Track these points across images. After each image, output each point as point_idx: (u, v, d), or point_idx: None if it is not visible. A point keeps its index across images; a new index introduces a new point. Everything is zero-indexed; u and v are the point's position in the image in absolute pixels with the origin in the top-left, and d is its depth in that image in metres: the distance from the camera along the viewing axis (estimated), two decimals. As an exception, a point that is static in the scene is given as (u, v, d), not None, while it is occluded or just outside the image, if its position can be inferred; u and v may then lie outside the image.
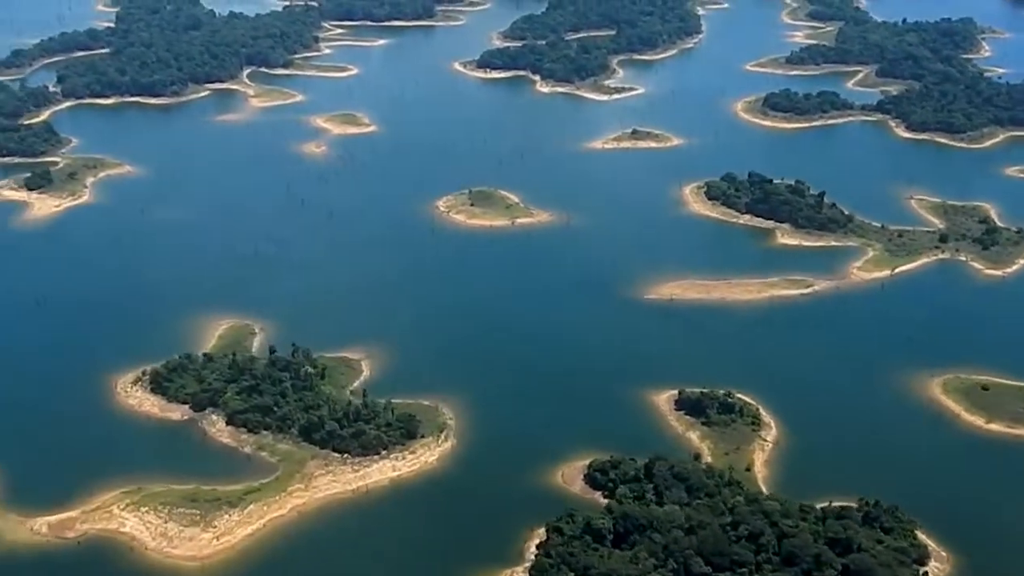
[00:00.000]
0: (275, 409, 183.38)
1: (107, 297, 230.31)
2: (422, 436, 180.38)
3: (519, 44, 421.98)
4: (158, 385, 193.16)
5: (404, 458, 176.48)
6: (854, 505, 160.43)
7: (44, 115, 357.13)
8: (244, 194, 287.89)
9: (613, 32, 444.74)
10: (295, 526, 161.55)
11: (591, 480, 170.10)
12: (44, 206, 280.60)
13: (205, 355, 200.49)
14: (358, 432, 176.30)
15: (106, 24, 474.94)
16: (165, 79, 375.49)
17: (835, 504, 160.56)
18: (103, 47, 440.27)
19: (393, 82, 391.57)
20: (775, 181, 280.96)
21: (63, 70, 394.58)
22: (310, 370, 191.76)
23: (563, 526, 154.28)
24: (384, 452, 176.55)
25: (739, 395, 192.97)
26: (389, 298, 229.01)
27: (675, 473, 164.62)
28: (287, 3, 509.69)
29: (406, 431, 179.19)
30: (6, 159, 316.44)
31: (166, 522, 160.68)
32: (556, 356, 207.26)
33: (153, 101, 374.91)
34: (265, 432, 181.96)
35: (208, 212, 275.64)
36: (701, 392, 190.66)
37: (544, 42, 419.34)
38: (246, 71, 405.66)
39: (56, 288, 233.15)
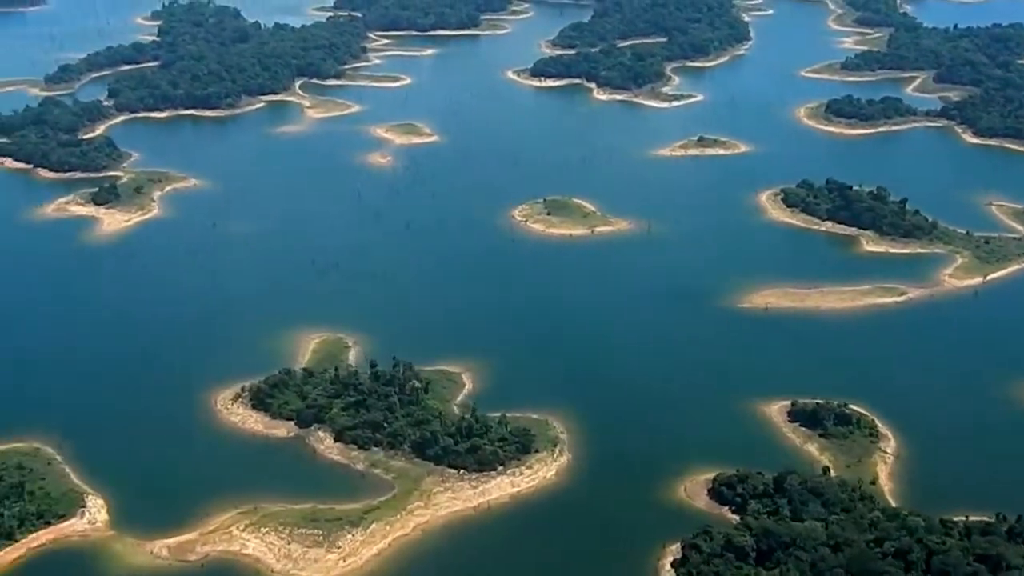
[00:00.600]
0: (385, 425, 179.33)
1: (191, 312, 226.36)
2: (536, 451, 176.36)
3: (572, 52, 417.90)
4: (260, 401, 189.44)
5: (522, 473, 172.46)
6: (994, 520, 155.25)
7: (100, 129, 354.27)
8: (315, 206, 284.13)
9: (663, 39, 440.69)
10: (420, 545, 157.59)
11: (717, 495, 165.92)
12: (113, 221, 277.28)
13: (305, 370, 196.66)
14: (474, 447, 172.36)
15: (150, 37, 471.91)
16: (219, 92, 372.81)
17: (975, 519, 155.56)
18: (150, 60, 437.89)
19: (447, 91, 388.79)
20: (854, 187, 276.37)
21: (114, 84, 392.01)
22: (417, 384, 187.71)
23: (700, 543, 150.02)
24: (501, 468, 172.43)
25: (852, 406, 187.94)
26: (477, 309, 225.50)
27: (809, 487, 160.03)
28: (330, 14, 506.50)
29: (521, 446, 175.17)
30: (68, 174, 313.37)
31: (288, 543, 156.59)
32: (658, 367, 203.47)
33: (208, 114, 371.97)
34: (376, 448, 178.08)
35: (281, 224, 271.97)
36: (816, 403, 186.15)
37: (597, 50, 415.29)
38: (298, 82, 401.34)
39: (137, 304, 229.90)
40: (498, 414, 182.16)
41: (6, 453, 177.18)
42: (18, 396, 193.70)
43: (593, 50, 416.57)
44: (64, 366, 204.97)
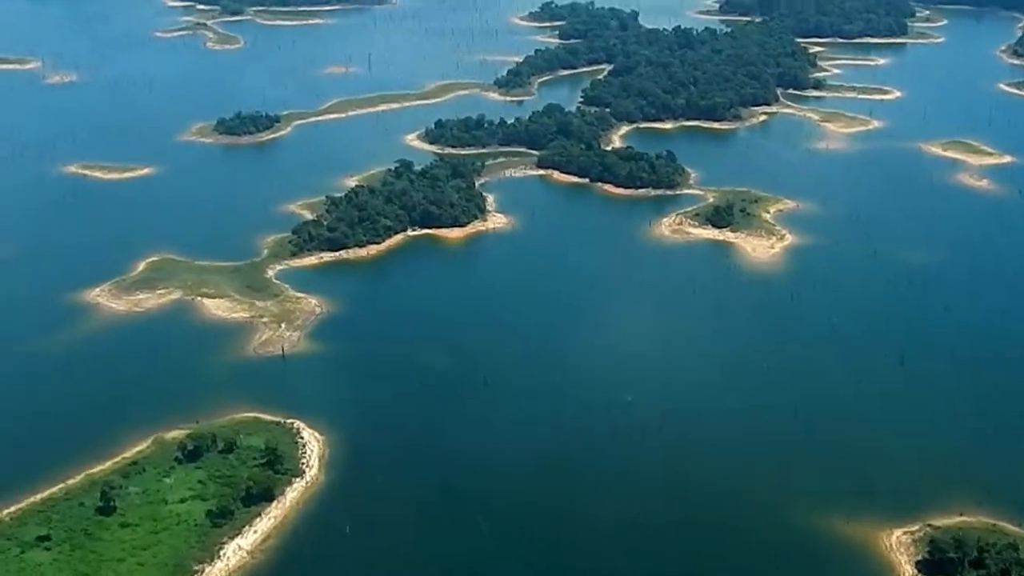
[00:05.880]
0: None
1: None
2: None
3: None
4: None
5: None
6: None
7: (615, 140, 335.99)
8: (958, 230, 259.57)
9: None
10: None
11: None
12: (756, 247, 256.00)
13: None
14: None
15: (551, 40, 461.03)
16: (724, 103, 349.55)
17: None
18: (585, 65, 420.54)
19: (950, 104, 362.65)
20: None
21: (591, 91, 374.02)
22: None
23: None
24: None
25: None
26: None
27: None
28: (726, 16, 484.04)
29: None
30: (642, 191, 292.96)
31: None
32: None
33: (713, 125, 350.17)
34: None
35: (948, 254, 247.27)
36: None
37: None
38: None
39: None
40: None
41: None
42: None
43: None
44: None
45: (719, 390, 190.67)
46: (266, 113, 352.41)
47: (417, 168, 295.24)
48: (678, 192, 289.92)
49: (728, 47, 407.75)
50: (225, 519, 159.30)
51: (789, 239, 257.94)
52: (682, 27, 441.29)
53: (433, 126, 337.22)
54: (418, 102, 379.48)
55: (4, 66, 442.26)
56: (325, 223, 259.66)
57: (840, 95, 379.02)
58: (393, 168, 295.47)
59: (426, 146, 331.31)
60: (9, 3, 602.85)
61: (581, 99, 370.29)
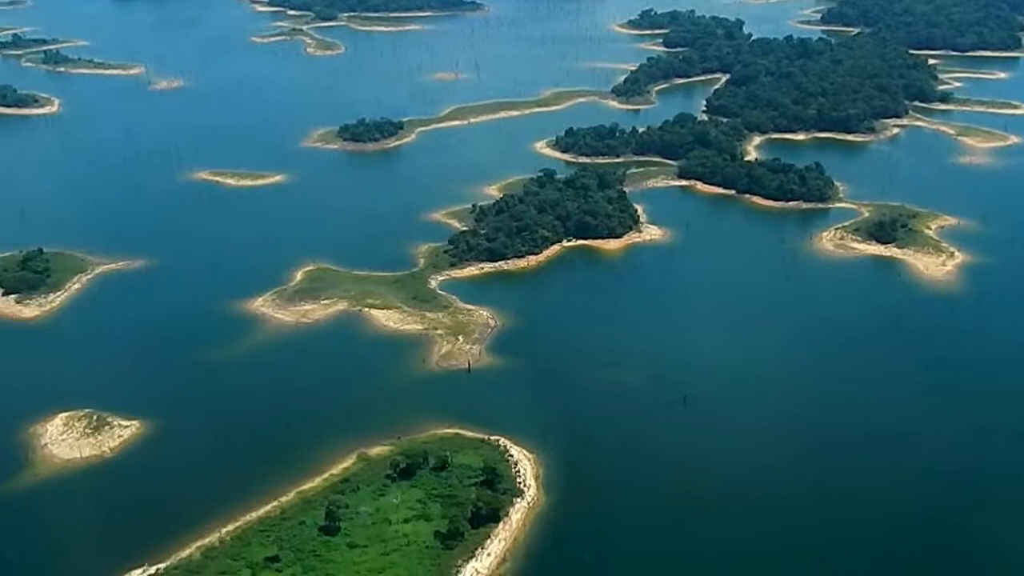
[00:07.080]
0: None
1: None
2: None
3: None
4: None
5: None
6: None
7: (750, 150, 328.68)
8: None
9: None
10: None
11: None
12: (928, 264, 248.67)
13: None
14: None
15: (656, 48, 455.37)
16: (859, 114, 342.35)
17: None
18: (700, 74, 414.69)
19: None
20: None
21: (715, 101, 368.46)
22: None
23: None
24: None
25: None
26: None
27: None
28: (828, 27, 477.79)
29: None
30: (792, 203, 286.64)
31: None
32: None
33: (848, 137, 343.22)
34: None
35: None
36: None
37: None
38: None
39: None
40: None
41: None
42: None
43: None
44: None
45: (938, 416, 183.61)
46: (389, 119, 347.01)
47: (559, 177, 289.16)
48: (829, 205, 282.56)
49: (847, 58, 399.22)
50: (456, 541, 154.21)
51: (959, 257, 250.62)
52: (795, 37, 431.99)
53: (563, 134, 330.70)
54: (537, 109, 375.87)
55: (109, 71, 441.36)
56: (483, 232, 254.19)
57: (968, 108, 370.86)
58: (536, 177, 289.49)
59: (558, 154, 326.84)
60: (96, 6, 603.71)
61: (704, 108, 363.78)
